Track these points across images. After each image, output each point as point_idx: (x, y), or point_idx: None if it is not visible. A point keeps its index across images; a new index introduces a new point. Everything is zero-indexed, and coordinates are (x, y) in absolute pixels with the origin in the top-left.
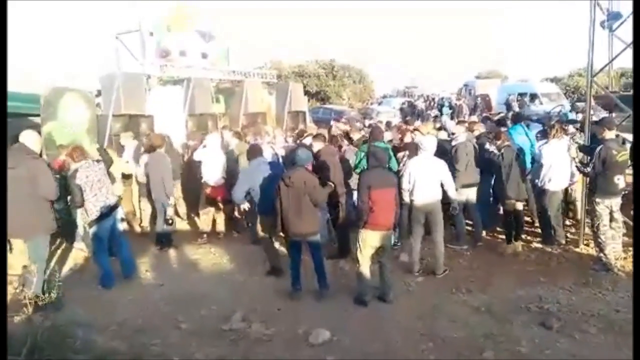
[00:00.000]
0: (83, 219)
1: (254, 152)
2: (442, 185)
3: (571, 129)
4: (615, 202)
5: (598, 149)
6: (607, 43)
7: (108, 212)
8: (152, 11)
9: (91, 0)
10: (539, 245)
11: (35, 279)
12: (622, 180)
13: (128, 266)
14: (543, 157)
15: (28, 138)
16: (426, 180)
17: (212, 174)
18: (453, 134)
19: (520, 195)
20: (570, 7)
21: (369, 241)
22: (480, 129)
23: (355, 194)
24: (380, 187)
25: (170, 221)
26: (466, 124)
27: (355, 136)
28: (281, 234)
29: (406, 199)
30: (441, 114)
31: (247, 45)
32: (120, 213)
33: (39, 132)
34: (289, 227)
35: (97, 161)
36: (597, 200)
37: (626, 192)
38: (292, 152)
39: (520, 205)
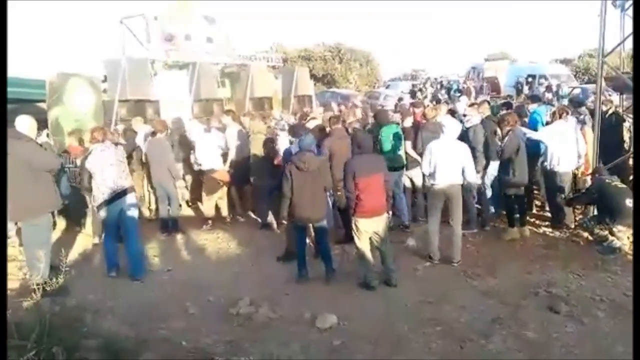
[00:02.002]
0: (91, 203)
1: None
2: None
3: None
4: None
5: (591, 190)
6: (618, 23)
7: (115, 197)
8: (156, 4)
9: None
10: (548, 229)
11: (42, 265)
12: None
13: (135, 266)
14: (549, 138)
15: (21, 123)
16: (448, 164)
17: (209, 159)
18: (465, 115)
19: (523, 180)
20: None
21: (362, 228)
22: (486, 111)
23: None
24: (367, 173)
25: (179, 205)
26: (477, 107)
27: (350, 119)
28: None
29: (419, 182)
30: (450, 98)
31: (252, 29)
32: (131, 200)
33: (45, 118)
34: (299, 212)
35: (117, 144)
36: (620, 229)
37: None
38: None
39: (522, 190)
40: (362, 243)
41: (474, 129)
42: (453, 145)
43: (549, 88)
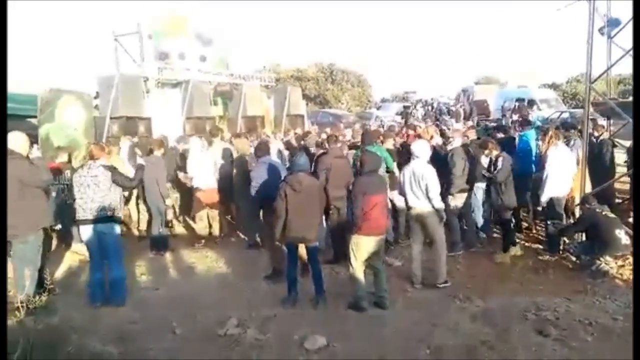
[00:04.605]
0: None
1: (262, 149)
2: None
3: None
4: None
5: (582, 221)
6: (605, 50)
7: (95, 221)
8: (150, 13)
9: (90, 0)
10: (537, 253)
11: (28, 282)
12: (624, 234)
13: (115, 293)
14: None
15: (13, 140)
16: (414, 188)
17: (201, 177)
18: (450, 138)
19: (513, 203)
20: (569, 13)
21: (363, 246)
22: (472, 135)
23: None
24: (375, 192)
25: (170, 224)
26: (462, 130)
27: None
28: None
29: (399, 204)
30: (439, 120)
31: (246, 49)
32: (114, 225)
33: (36, 134)
34: (294, 232)
35: (104, 167)
36: (607, 259)
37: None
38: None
39: (510, 214)
40: (359, 262)
41: (453, 152)
42: (419, 168)
43: (515, 110)
